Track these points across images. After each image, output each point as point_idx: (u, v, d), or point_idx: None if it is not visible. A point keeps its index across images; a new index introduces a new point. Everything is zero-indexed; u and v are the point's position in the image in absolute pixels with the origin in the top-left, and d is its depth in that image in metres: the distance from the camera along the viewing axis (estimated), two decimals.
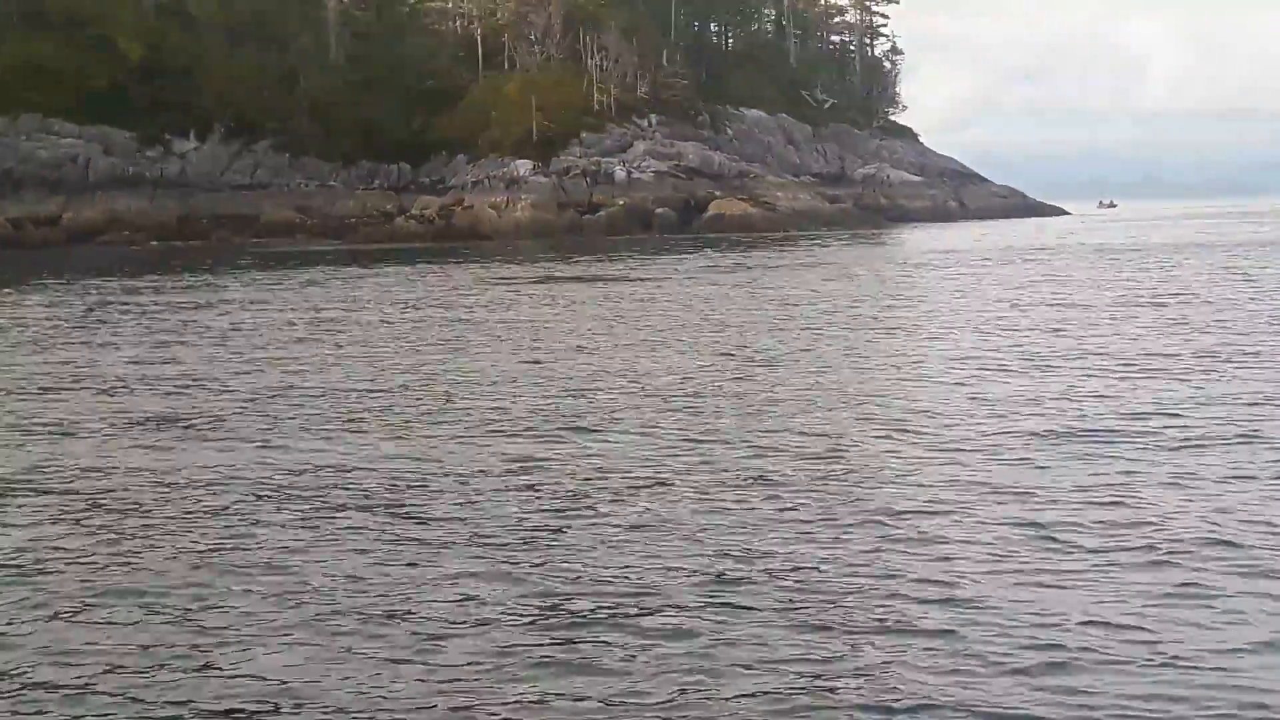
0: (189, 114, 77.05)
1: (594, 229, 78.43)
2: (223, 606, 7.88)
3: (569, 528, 9.50)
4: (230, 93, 78.21)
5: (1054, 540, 8.98)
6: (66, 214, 69.35)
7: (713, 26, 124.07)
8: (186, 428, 13.84)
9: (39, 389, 17.03)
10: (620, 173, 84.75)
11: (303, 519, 9.78)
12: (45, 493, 10.83)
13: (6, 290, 35.65)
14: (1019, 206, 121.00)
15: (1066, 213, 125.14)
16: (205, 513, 10.08)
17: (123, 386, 17.12)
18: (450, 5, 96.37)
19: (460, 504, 10.21)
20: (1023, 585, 8.06)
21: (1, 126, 71.00)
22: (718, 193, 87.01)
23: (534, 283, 36.84)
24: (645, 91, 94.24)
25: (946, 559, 8.62)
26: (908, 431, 12.90)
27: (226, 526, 9.65)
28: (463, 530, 9.45)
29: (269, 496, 10.57)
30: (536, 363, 18.76)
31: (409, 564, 8.65)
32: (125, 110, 74.68)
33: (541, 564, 8.64)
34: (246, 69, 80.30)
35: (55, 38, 74.55)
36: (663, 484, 10.75)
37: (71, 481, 11.23)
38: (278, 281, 38.47)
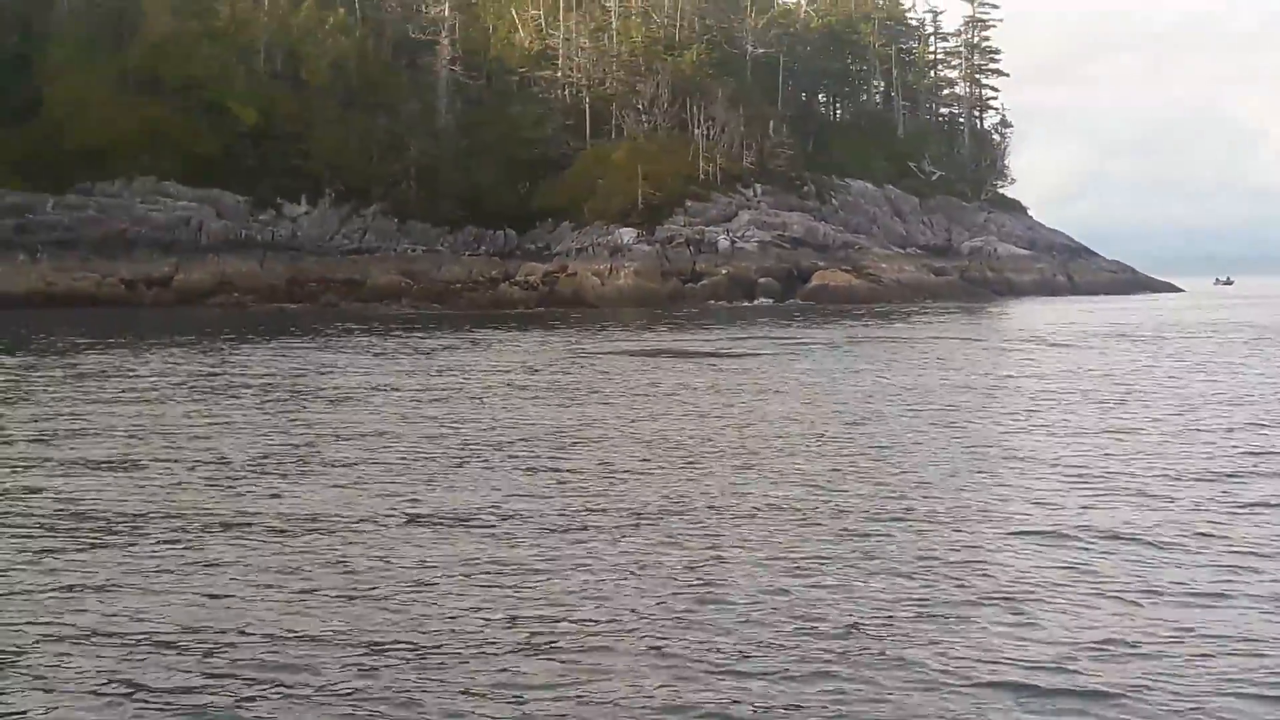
0: (300, 178, 78.02)
1: (696, 298, 78.35)
2: None
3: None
4: (340, 157, 79.16)
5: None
6: (178, 275, 70.30)
7: (821, 97, 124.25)
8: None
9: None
10: (724, 242, 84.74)
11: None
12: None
13: (121, 349, 36.09)
14: (1129, 282, 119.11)
15: (1179, 289, 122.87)
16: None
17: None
18: (559, 74, 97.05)
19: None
20: None
21: (117, 189, 72.28)
22: (821, 263, 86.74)
23: (621, 355, 36.58)
24: (751, 161, 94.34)
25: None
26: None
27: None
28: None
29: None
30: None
31: None
32: (237, 174, 75.81)
33: None
34: (356, 134, 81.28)
35: (170, 102, 75.97)
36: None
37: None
38: (373, 349, 38.60)
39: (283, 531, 11.81)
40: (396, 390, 25.05)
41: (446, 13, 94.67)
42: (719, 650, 8.43)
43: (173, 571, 10.36)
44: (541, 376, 27.98)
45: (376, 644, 8.57)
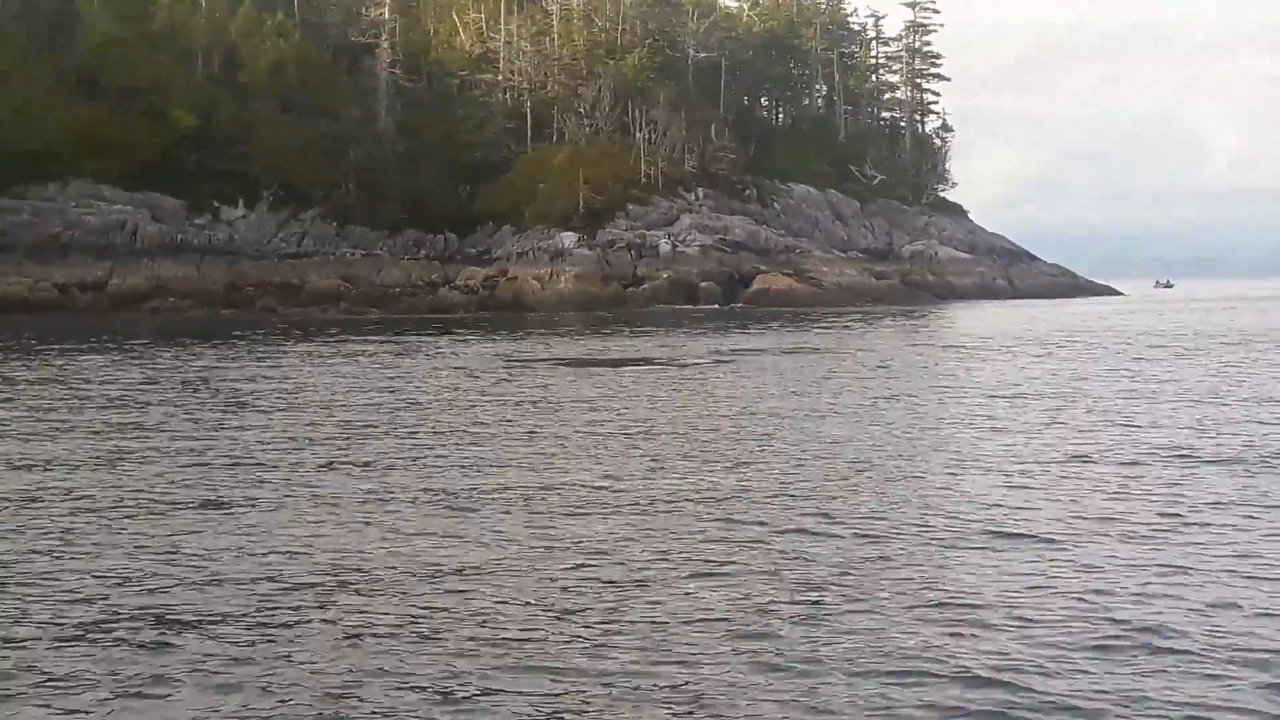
0: (238, 182, 77.48)
1: (637, 302, 78.40)
2: None
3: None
4: (279, 161, 78.64)
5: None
6: (113, 280, 69.66)
7: (763, 101, 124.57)
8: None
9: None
10: (665, 246, 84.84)
11: None
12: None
13: (52, 352, 35.69)
14: (1069, 286, 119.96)
15: (1119, 293, 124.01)
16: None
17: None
18: (501, 78, 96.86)
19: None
20: None
21: (52, 192, 71.55)
22: (763, 267, 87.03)
23: (556, 364, 36.48)
24: (693, 165, 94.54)
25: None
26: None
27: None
28: None
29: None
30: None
31: None
32: (175, 178, 75.19)
33: None
34: (295, 137, 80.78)
35: (107, 105, 75.28)
36: None
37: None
38: (284, 354, 38.32)
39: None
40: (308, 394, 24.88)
41: (386, 16, 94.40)
42: None
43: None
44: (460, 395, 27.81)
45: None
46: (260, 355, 36.83)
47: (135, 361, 34.04)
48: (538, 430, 20.29)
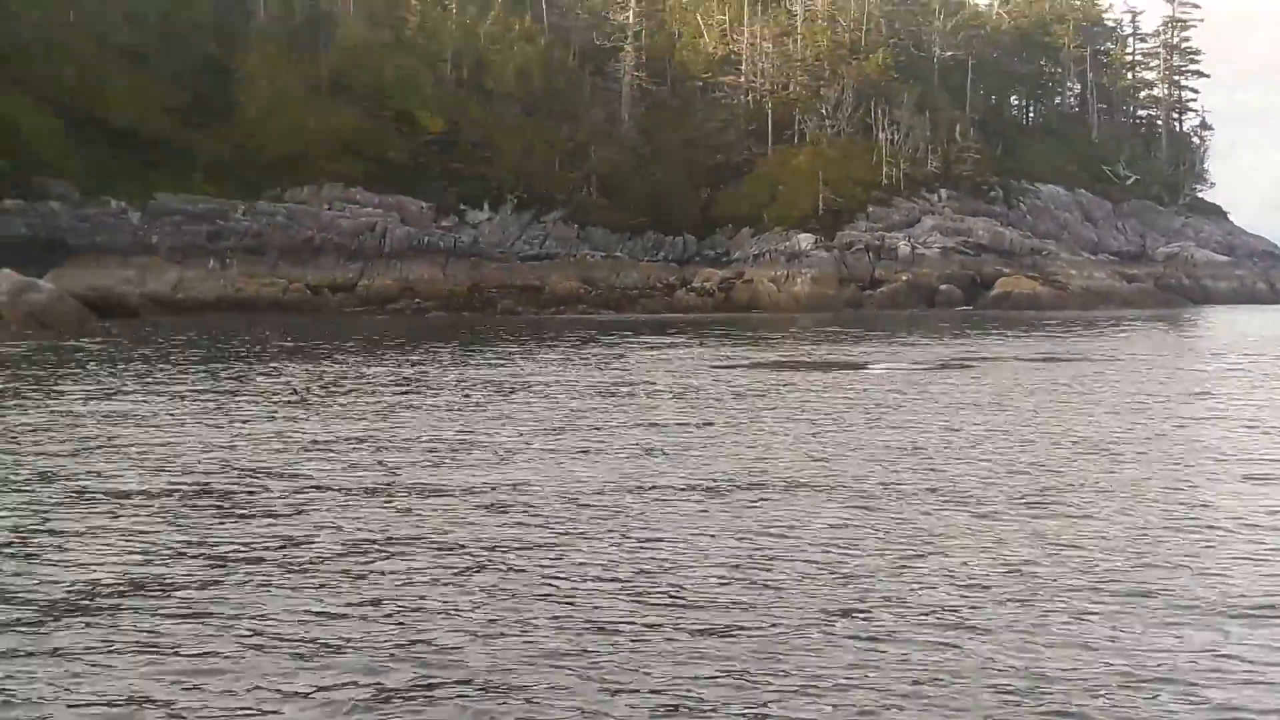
0: (483, 185, 79.40)
1: (874, 305, 77.65)
2: None
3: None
4: (523, 165, 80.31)
5: None
6: (362, 281, 72.06)
7: (1012, 100, 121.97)
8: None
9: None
10: (904, 248, 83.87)
11: None
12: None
13: (299, 355, 36.94)
14: None
15: None
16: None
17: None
18: (742, 80, 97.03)
19: None
20: None
21: (305, 196, 74.31)
22: (1006, 270, 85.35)
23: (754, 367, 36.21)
24: (936, 165, 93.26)
25: None
26: None
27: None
28: None
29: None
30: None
31: None
32: (422, 181, 77.44)
33: None
34: (539, 141, 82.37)
35: (359, 110, 77.91)
36: None
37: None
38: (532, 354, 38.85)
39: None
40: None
41: (631, 19, 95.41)
42: None
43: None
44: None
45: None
46: (503, 355, 37.51)
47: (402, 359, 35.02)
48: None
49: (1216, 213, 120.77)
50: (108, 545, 11.82)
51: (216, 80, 75.64)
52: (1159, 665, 8.59)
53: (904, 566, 11.22)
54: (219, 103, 74.62)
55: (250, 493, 14.70)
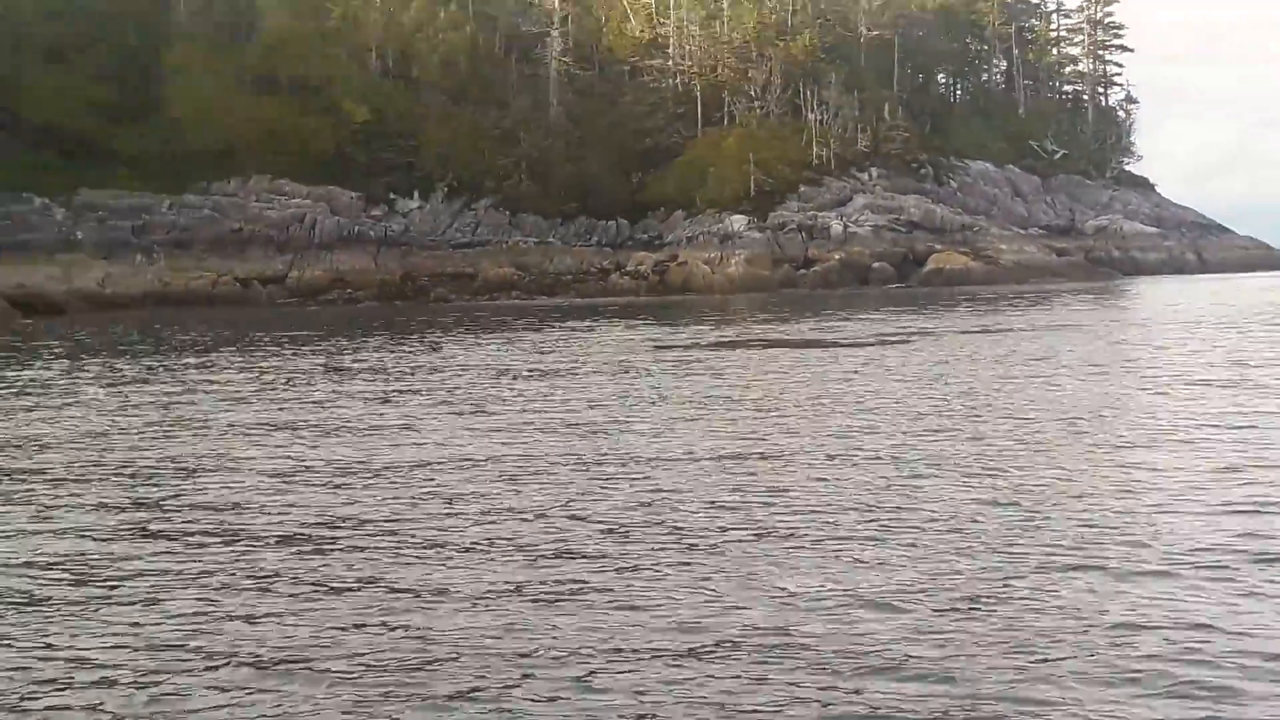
0: (412, 174, 78.93)
1: (808, 284, 77.76)
2: None
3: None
4: (451, 153, 79.82)
5: None
6: (292, 273, 71.40)
7: (939, 78, 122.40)
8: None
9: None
10: (837, 227, 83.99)
11: None
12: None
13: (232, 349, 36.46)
14: (1263, 259, 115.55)
15: None
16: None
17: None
18: (670, 63, 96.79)
19: None
20: None
21: (233, 188, 73.60)
22: (938, 246, 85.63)
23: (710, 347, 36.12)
24: (866, 145, 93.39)
25: None
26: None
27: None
28: None
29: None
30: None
31: None
32: (351, 171, 76.88)
33: None
34: (467, 130, 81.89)
35: (286, 102, 77.21)
36: None
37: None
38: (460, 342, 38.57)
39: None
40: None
41: (557, 5, 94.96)
42: None
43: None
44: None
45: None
46: (430, 342, 37.19)
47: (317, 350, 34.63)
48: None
49: (1144, 185, 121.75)
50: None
51: (140, 75, 74.84)
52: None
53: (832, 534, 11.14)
54: (143, 98, 73.90)
55: (163, 479, 14.45)
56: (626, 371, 26.55)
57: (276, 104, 77.02)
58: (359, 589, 9.39)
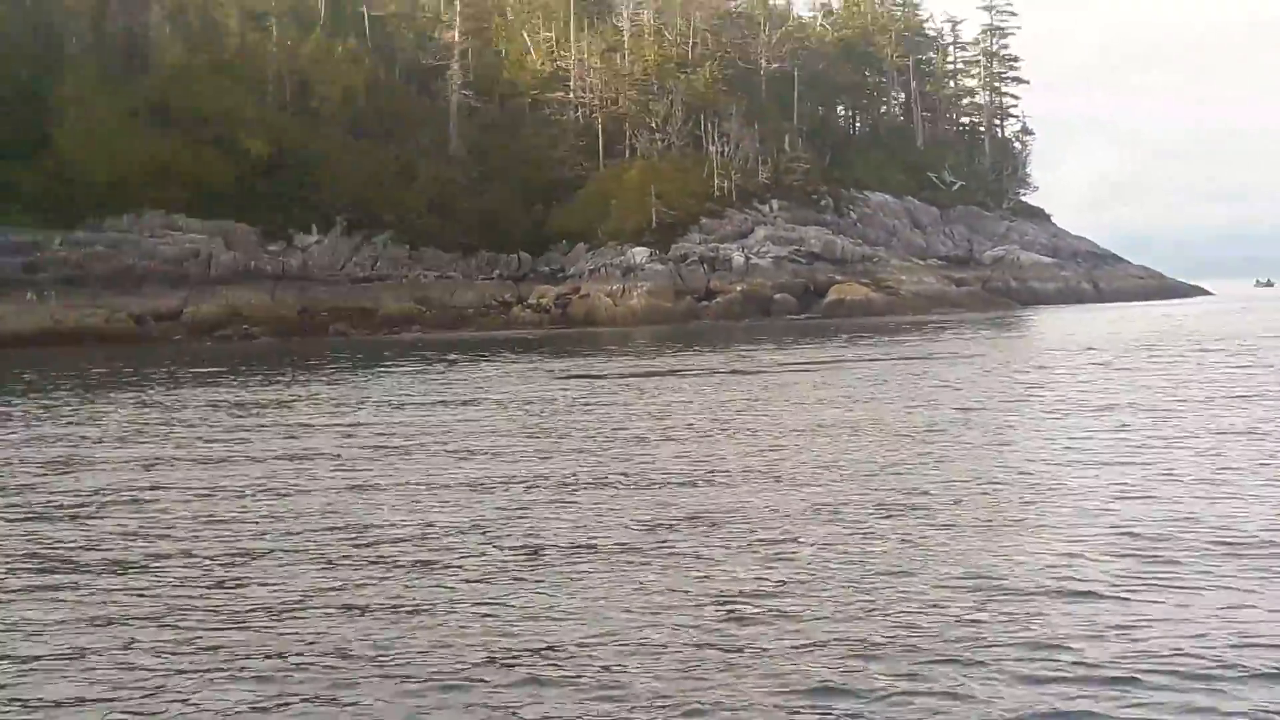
0: (310, 208, 77.90)
1: (710, 315, 77.84)
2: None
3: None
4: (351, 187, 78.92)
5: None
6: (187, 308, 70.08)
7: (839, 110, 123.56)
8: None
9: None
10: (739, 258, 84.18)
11: None
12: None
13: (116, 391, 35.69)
14: (1156, 288, 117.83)
15: (1209, 293, 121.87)
16: None
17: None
18: (572, 96, 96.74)
19: None
20: None
21: (126, 224, 72.21)
22: (839, 277, 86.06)
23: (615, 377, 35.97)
24: (767, 177, 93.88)
25: None
26: None
27: None
28: None
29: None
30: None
31: None
32: (248, 206, 75.58)
33: None
34: (367, 163, 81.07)
35: (181, 136, 75.87)
36: None
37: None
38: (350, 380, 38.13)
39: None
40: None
41: (457, 38, 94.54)
42: None
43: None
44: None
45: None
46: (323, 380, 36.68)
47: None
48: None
49: (1040, 216, 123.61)
50: None
51: (30, 109, 73.33)
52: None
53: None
54: (34, 133, 72.29)
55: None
56: (528, 402, 26.32)
57: (171, 138, 75.65)
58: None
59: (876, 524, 12.95)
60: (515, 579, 10.87)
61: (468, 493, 15.42)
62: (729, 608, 9.81)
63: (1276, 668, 8.26)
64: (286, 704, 8.01)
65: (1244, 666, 8.29)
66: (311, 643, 9.17)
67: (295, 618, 9.80)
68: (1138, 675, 8.14)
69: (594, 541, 12.31)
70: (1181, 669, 8.27)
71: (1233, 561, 10.97)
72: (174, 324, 68.85)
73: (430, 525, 13.38)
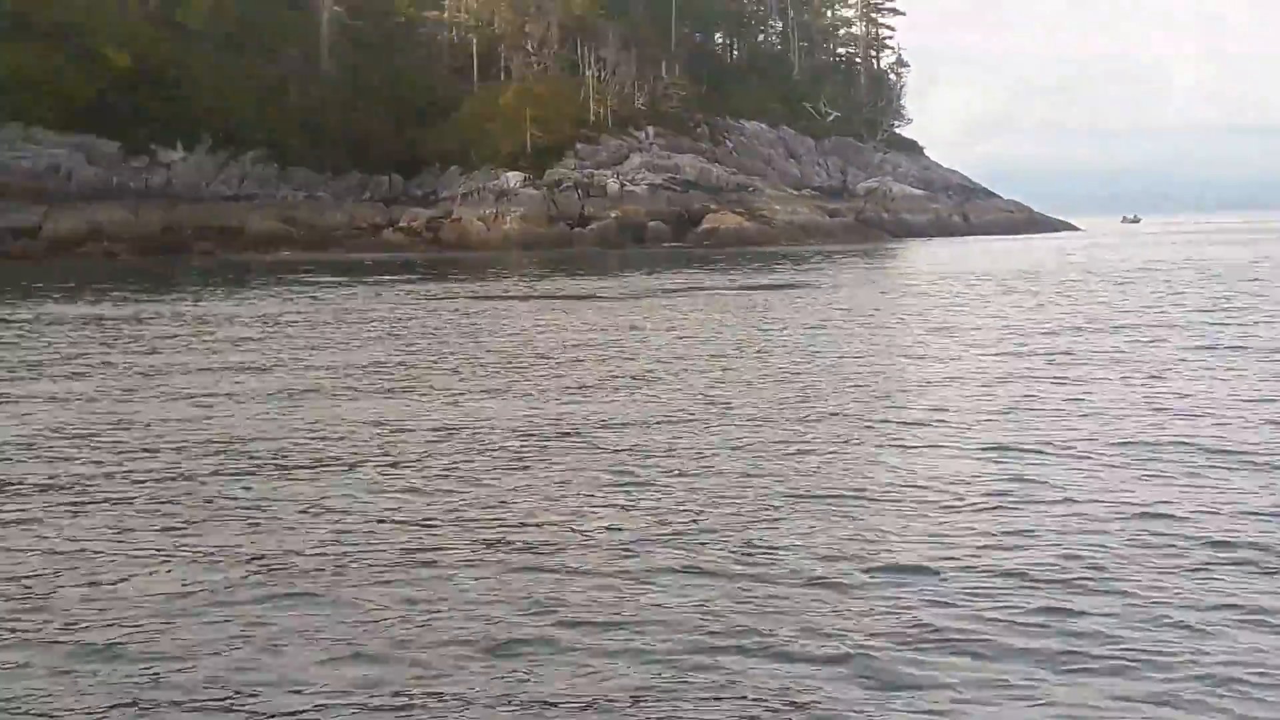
0: (176, 124, 75.75)
1: (584, 242, 77.42)
2: None
3: None
4: (218, 103, 76.94)
5: None
6: (47, 224, 68.08)
7: (716, 38, 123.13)
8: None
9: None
10: (613, 185, 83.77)
11: None
12: None
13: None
14: (1025, 222, 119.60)
15: (1077, 229, 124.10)
16: None
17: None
18: (446, 16, 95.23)
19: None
20: None
21: None
22: (713, 206, 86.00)
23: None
24: (643, 103, 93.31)
25: None
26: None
27: None
28: None
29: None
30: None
31: None
32: (110, 120, 73.36)
33: None
34: (235, 79, 79.09)
35: (40, 46, 73.24)
36: None
37: None
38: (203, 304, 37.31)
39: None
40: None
41: None
42: None
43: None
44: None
45: None
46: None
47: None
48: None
49: (913, 148, 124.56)
50: None
51: None
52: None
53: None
54: None
55: None
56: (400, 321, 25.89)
57: (30, 48, 72.99)
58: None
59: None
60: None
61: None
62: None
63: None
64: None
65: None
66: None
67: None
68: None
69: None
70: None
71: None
72: (32, 241, 66.84)
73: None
